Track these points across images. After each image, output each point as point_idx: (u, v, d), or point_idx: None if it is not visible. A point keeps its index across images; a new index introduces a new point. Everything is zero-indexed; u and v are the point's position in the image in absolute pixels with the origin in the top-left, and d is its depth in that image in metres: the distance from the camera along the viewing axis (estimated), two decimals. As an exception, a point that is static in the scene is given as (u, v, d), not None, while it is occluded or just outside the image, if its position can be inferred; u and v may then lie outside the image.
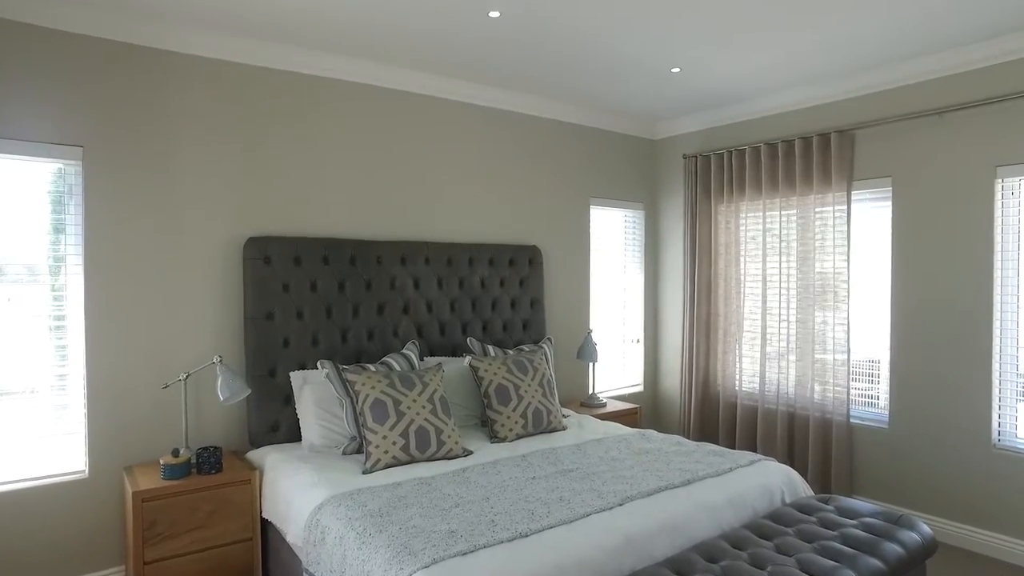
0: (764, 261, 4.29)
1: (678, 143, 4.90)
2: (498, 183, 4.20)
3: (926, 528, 2.45)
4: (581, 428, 3.56)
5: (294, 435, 3.26)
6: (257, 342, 3.20)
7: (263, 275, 3.22)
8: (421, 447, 2.91)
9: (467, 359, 3.46)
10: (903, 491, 3.69)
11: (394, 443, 2.87)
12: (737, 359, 4.44)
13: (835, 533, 2.34)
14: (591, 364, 4.43)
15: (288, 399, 3.27)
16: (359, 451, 3.05)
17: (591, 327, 4.55)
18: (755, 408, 4.34)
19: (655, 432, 3.46)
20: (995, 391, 3.38)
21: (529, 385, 3.46)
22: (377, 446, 2.84)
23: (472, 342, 3.70)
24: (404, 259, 3.70)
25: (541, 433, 3.44)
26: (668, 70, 3.74)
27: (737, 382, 4.45)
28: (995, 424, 3.38)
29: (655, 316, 5.11)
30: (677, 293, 4.93)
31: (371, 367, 3.23)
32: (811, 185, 4.02)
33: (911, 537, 2.35)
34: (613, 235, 4.90)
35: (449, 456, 2.98)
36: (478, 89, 4.00)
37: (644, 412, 4.58)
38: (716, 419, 4.59)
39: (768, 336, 4.27)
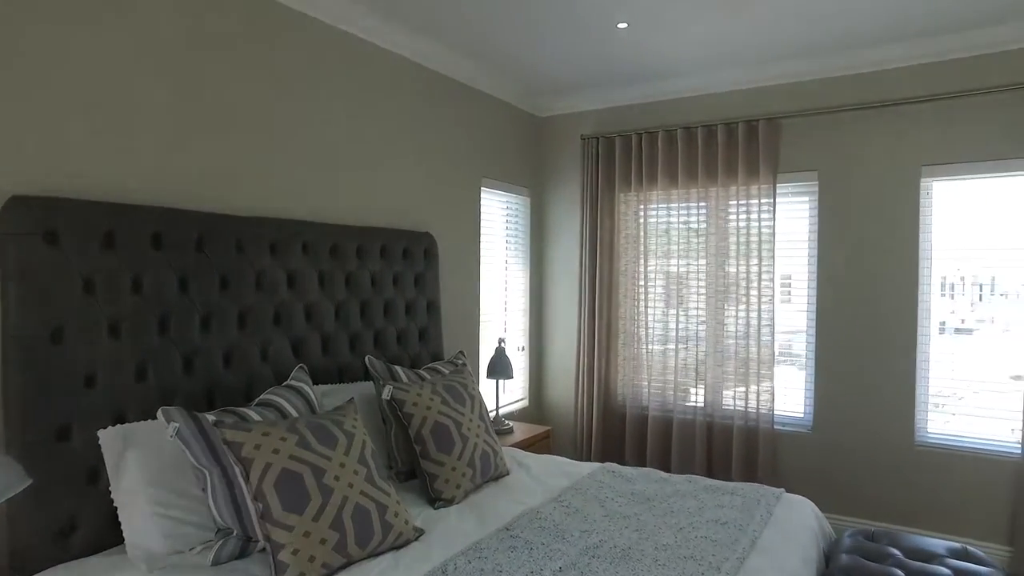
0: (678, 258, 3.90)
1: (573, 122, 4.30)
2: (386, 147, 3.15)
3: (988, 557, 2.16)
4: (526, 470, 2.74)
5: (108, 538, 1.90)
6: (30, 382, 1.79)
7: (44, 264, 1.83)
8: (362, 539, 1.84)
9: (387, 389, 2.41)
10: (829, 496, 3.54)
11: (323, 541, 1.76)
12: (646, 367, 3.99)
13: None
14: (497, 382, 3.60)
15: (94, 476, 1.91)
16: (243, 554, 1.85)
17: (502, 336, 3.72)
18: (668, 420, 3.92)
19: (618, 465, 2.79)
20: (918, 390, 3.38)
21: (471, 420, 2.54)
22: (296, 551, 1.71)
23: (373, 363, 2.64)
24: (275, 246, 2.50)
25: (488, 483, 2.55)
26: (614, 25, 3.10)
27: (646, 392, 3.99)
28: (917, 423, 3.38)
29: (540, 320, 4.45)
30: (570, 293, 4.33)
31: (252, 414, 2.02)
32: (735, 176, 3.71)
33: (995, 574, 2.02)
34: (494, 225, 4.12)
35: (399, 544, 1.95)
36: (362, 14, 2.93)
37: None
38: (621, 435, 4.09)
39: (683, 340, 3.89)
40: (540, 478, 2.63)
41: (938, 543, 2.24)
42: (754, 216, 3.66)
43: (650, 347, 3.98)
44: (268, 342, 2.45)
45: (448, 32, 3.18)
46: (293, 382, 2.26)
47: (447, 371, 2.87)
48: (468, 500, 2.36)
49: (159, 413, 1.85)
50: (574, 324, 4.28)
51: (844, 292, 3.52)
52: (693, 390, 3.86)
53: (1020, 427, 3.12)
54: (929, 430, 3.39)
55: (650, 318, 3.99)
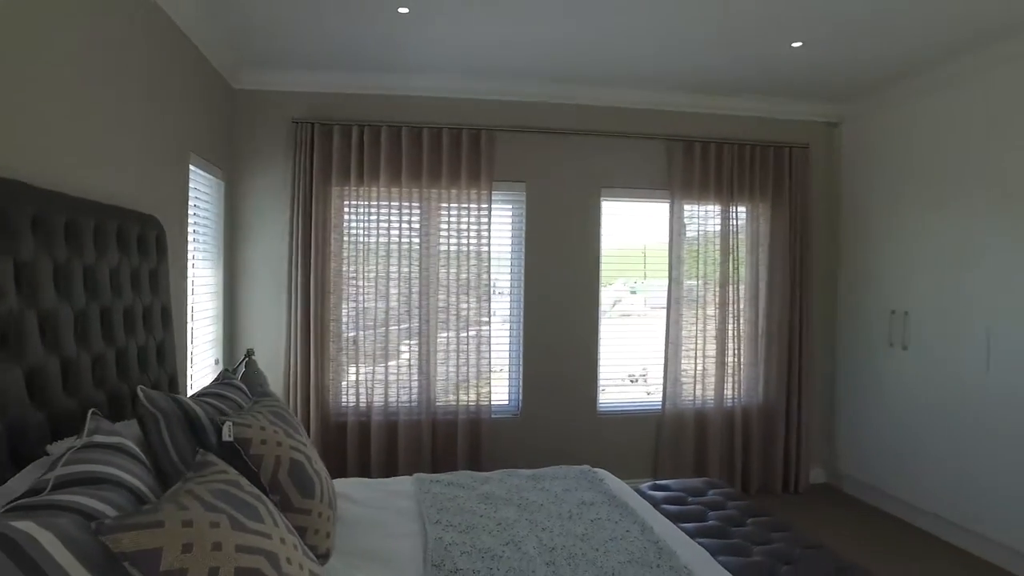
0: (399, 258, 3.82)
1: (281, 101, 3.72)
2: (92, 85, 2.20)
3: (720, 482, 2.89)
4: (345, 498, 2.34)
5: None
6: None
7: None
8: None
9: (227, 427, 1.74)
10: (537, 465, 4.03)
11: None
12: (366, 373, 3.78)
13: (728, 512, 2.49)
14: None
15: None
16: None
17: (250, 347, 2.94)
18: (393, 424, 3.80)
19: (427, 474, 2.63)
20: (599, 370, 4.17)
21: (312, 451, 2.04)
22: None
23: (151, 396, 1.82)
24: None
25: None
26: (395, 8, 2.89)
27: (366, 397, 3.78)
28: (598, 396, 4.17)
29: (233, 327, 3.71)
30: (274, 296, 3.74)
31: (98, 504, 1.22)
32: (459, 180, 3.86)
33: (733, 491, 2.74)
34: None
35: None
36: None
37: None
38: (342, 446, 3.76)
39: (404, 343, 3.84)
40: (371, 503, 2.30)
41: (689, 482, 2.88)
42: (473, 219, 3.89)
43: (371, 352, 3.80)
44: (-4, 379, 1.48)
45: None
46: (103, 438, 1.43)
47: (238, 397, 2.20)
48: (339, 548, 1.91)
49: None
50: (280, 331, 3.73)
51: (544, 293, 4.06)
52: (416, 392, 3.85)
53: (660, 390, 4.19)
54: (604, 400, 4.22)
55: (369, 322, 3.80)
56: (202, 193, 3.40)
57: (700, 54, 3.45)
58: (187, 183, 3.00)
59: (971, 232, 3.34)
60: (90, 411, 1.50)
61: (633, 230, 4.29)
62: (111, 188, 2.25)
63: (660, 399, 4.19)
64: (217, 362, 3.53)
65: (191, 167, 3.08)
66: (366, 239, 3.77)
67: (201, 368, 3.29)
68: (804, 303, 4.25)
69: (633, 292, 4.46)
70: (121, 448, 1.43)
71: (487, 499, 2.35)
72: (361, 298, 3.78)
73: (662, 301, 4.18)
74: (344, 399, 3.77)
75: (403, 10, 2.92)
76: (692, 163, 4.12)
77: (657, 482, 2.88)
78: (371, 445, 3.76)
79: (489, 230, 3.92)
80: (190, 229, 3.28)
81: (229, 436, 1.74)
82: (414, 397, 3.85)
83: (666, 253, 4.16)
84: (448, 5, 2.88)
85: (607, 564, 1.81)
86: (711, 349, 4.19)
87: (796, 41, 3.27)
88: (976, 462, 3.27)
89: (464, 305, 3.89)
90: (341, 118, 3.75)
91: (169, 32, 2.75)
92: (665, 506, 2.56)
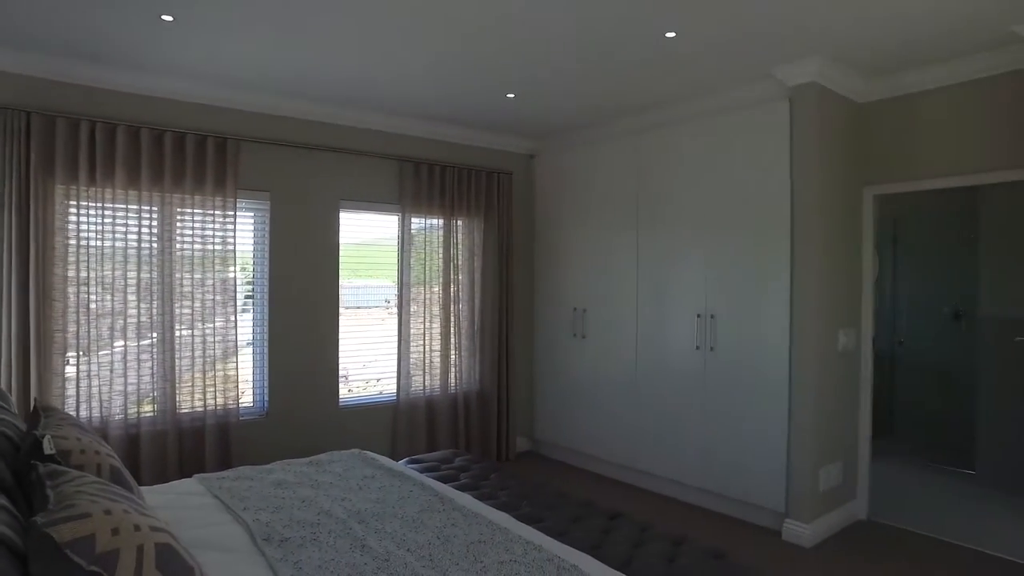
0: (139, 263, 3.66)
1: (-18, 81, 3.24)
2: None
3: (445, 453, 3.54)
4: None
5: None
6: None
7: None
8: (209, 594, 1.58)
9: (47, 440, 1.75)
10: (287, 456, 4.21)
11: (208, 604, 1.47)
12: (108, 383, 3.54)
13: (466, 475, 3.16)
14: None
15: None
16: None
17: None
18: (135, 434, 3.62)
19: (210, 474, 2.75)
20: (341, 368, 4.52)
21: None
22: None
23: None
24: None
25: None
26: (158, 16, 2.88)
27: (100, 411, 3.54)
28: (340, 392, 4.53)
29: (-85, 343, 3.12)
30: (-25, 305, 3.25)
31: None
32: (204, 186, 3.83)
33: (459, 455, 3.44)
34: None
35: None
36: None
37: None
38: (71, 468, 3.44)
39: (144, 350, 3.69)
40: (167, 505, 2.36)
41: (439, 454, 3.47)
42: (219, 225, 3.91)
43: (106, 362, 3.57)
44: None
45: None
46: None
47: (8, 416, 2.09)
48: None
49: None
50: (-14, 344, 3.28)
51: (288, 298, 4.26)
52: (159, 400, 3.73)
53: (395, 383, 4.73)
54: (343, 395, 4.59)
55: (104, 331, 3.56)
56: None
57: (432, 91, 4.07)
58: None
59: (621, 246, 4.61)
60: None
61: (358, 236, 4.72)
62: None
63: (395, 390, 4.73)
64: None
65: None
66: (99, 243, 3.53)
67: None
68: (509, 302, 5.21)
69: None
70: None
71: (280, 485, 2.61)
72: (93, 305, 3.52)
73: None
74: (76, 415, 3.46)
75: (167, 18, 2.93)
76: (420, 181, 4.75)
77: (413, 456, 3.42)
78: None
79: (235, 237, 3.98)
80: None
81: (51, 449, 1.76)
82: (157, 406, 3.73)
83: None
84: (212, 21, 2.98)
85: (407, 514, 2.30)
86: (436, 344, 4.87)
87: (511, 93, 4.13)
88: (633, 418, 4.54)
89: (209, 310, 3.89)
90: (68, 110, 3.44)
91: None
92: (427, 473, 3.11)
